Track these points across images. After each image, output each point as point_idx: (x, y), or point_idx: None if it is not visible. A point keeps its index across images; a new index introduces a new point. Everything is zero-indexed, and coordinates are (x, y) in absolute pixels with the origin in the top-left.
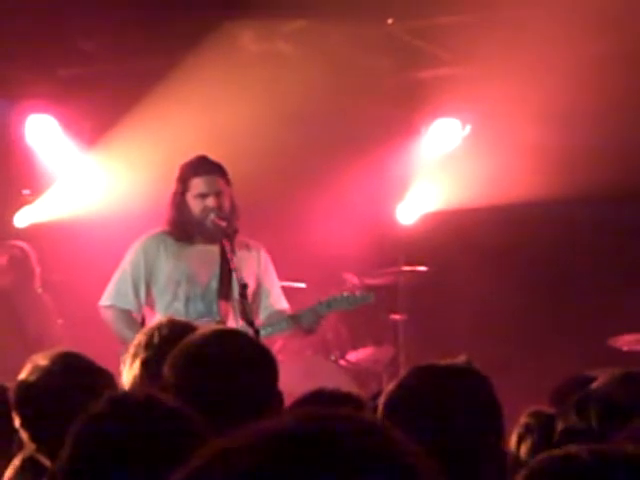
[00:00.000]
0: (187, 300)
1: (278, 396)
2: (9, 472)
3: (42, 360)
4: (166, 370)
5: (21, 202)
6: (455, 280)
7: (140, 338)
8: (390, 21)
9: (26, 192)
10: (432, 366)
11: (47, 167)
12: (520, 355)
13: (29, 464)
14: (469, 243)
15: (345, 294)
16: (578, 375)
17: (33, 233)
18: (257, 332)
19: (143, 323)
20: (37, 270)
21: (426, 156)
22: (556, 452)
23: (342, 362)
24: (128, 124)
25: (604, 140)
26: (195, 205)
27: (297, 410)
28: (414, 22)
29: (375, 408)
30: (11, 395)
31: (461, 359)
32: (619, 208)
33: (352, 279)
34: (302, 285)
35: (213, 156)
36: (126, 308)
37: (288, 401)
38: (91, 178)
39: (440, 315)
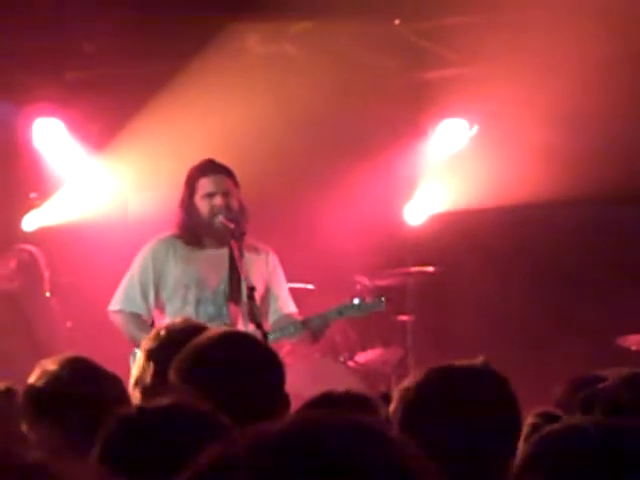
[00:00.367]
0: (197, 303)
1: (285, 399)
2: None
3: (51, 365)
4: (172, 372)
5: (28, 206)
6: (463, 281)
7: (151, 338)
8: (397, 22)
9: (33, 195)
10: (450, 367)
11: (54, 171)
12: (528, 355)
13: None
14: (476, 244)
15: (356, 301)
16: (587, 374)
17: (41, 237)
18: (265, 335)
19: (153, 326)
20: (46, 274)
21: (433, 157)
22: (562, 424)
23: (351, 363)
24: (135, 127)
25: (610, 141)
26: (203, 206)
27: (293, 416)
28: (421, 23)
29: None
30: (19, 399)
31: (479, 360)
32: (625, 209)
33: (363, 281)
34: (311, 287)
35: (220, 158)
36: (135, 312)
37: (297, 403)
38: (98, 181)
39: (448, 316)
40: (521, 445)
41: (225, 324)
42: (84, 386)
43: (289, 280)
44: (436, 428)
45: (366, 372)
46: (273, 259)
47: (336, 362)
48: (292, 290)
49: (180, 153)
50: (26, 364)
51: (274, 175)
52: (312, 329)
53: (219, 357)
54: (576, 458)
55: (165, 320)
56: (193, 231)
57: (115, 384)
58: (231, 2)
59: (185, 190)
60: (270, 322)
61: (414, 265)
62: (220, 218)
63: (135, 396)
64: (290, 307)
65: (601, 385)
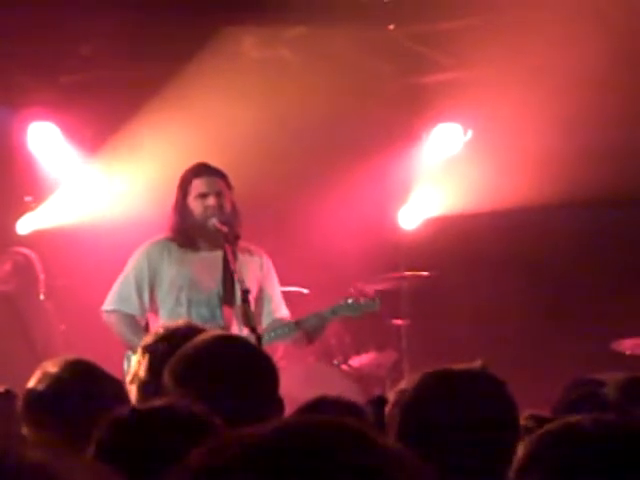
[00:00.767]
0: (189, 305)
1: (279, 403)
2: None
3: (52, 367)
4: (166, 375)
5: (23, 209)
6: (457, 285)
7: (150, 335)
8: (392, 27)
9: (28, 199)
10: (448, 371)
11: (49, 174)
12: (522, 359)
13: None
14: (471, 248)
15: (350, 301)
16: (584, 378)
17: (35, 240)
18: (259, 338)
19: (147, 328)
20: (41, 277)
21: (428, 161)
22: (559, 423)
23: (345, 367)
24: (129, 131)
25: (606, 145)
26: (196, 206)
27: (282, 419)
28: (415, 27)
29: (378, 414)
30: (19, 401)
31: (477, 363)
32: (621, 212)
33: (357, 285)
34: (305, 290)
35: (216, 162)
36: (129, 312)
37: (291, 407)
38: (93, 185)
39: (442, 320)
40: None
41: (219, 327)
42: (85, 388)
43: (283, 284)
44: (434, 432)
45: (360, 376)
46: (267, 262)
47: (330, 366)
48: (286, 294)
49: (175, 157)
50: (22, 365)
51: (269, 179)
52: (306, 329)
53: (213, 360)
54: (575, 457)
55: (159, 322)
56: (187, 233)
57: (115, 386)
58: (227, 6)
59: (178, 192)
60: (263, 326)
61: (408, 269)
62: (213, 221)
63: (131, 391)
64: (283, 311)
65: (596, 388)
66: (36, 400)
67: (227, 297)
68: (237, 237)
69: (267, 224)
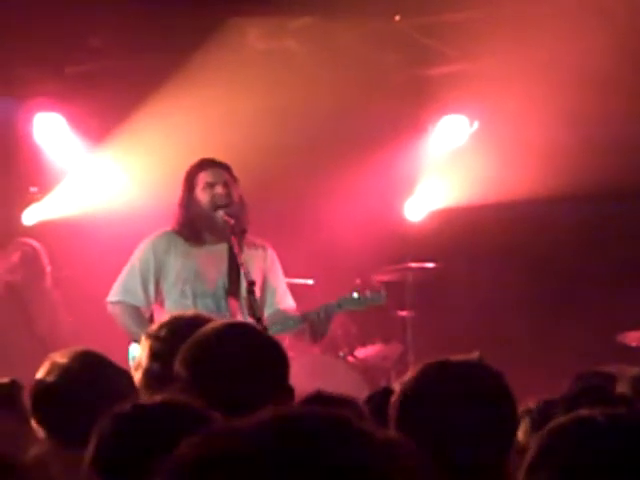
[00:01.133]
0: (195, 297)
1: (289, 390)
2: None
3: (60, 358)
4: (177, 364)
5: (29, 200)
6: (463, 276)
7: (152, 328)
8: (397, 18)
9: (34, 190)
10: (444, 362)
11: (54, 165)
12: (527, 351)
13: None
14: (476, 240)
15: (356, 295)
16: (593, 370)
17: (41, 230)
18: (265, 330)
19: (152, 319)
20: (48, 268)
21: (433, 153)
22: (570, 416)
23: (350, 359)
24: (135, 121)
25: (611, 137)
26: (204, 197)
27: (266, 413)
28: (421, 19)
29: (376, 409)
30: (28, 392)
31: (473, 355)
32: (626, 205)
33: (363, 276)
34: (310, 282)
35: (221, 153)
36: (134, 304)
37: (296, 399)
38: (98, 176)
39: (448, 311)
40: (521, 436)
41: (224, 318)
42: (95, 379)
43: (289, 275)
44: (431, 422)
45: (366, 367)
46: (271, 254)
47: (336, 357)
48: (292, 285)
49: (180, 147)
50: (27, 357)
51: (274, 171)
52: (312, 322)
53: (225, 347)
54: (588, 451)
55: (164, 314)
56: (193, 226)
57: (124, 377)
58: None
59: (184, 187)
60: (265, 316)
61: (414, 261)
62: (221, 213)
63: (136, 378)
64: (288, 302)
65: (603, 381)
66: (45, 391)
67: (232, 289)
68: (244, 231)
69: (273, 216)
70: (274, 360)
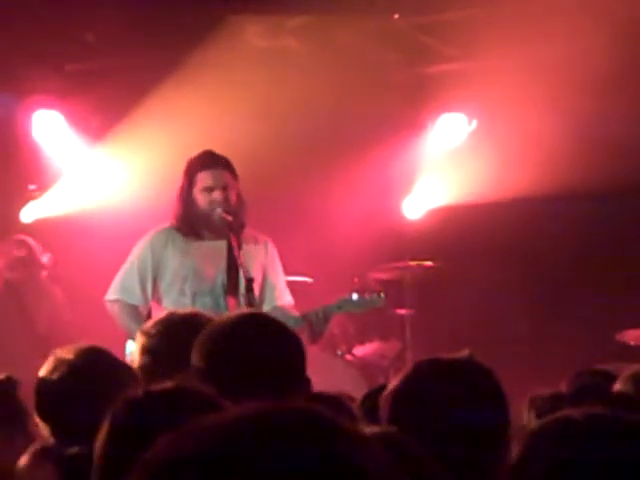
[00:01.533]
0: (194, 295)
1: (306, 382)
2: (23, 462)
3: (66, 355)
4: (194, 354)
5: (27, 197)
6: (461, 275)
7: (147, 330)
8: (396, 16)
9: (32, 187)
10: (434, 360)
11: (53, 162)
12: (526, 349)
13: (46, 454)
14: (475, 238)
15: (355, 297)
16: (591, 368)
17: (39, 228)
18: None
19: (149, 317)
20: (43, 261)
21: (432, 151)
22: (552, 417)
23: (349, 357)
24: (134, 119)
25: (610, 136)
26: (202, 199)
27: (240, 409)
28: (420, 17)
29: (373, 406)
30: (28, 389)
31: (464, 353)
32: (625, 203)
33: (361, 275)
34: (309, 280)
35: (220, 150)
36: (132, 303)
37: None
38: (97, 173)
39: (446, 310)
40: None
41: None
42: (101, 375)
43: (287, 273)
44: (422, 419)
45: (364, 365)
46: (272, 249)
47: (334, 356)
48: (291, 283)
49: (180, 145)
50: (27, 354)
51: (273, 168)
52: (311, 322)
53: (243, 337)
54: (568, 453)
55: (162, 312)
56: (191, 223)
57: (131, 375)
58: None
59: (184, 182)
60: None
61: (412, 259)
62: (219, 211)
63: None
64: (286, 298)
65: (602, 379)
66: (51, 388)
67: (231, 286)
68: (242, 226)
69: (271, 214)
70: (292, 350)
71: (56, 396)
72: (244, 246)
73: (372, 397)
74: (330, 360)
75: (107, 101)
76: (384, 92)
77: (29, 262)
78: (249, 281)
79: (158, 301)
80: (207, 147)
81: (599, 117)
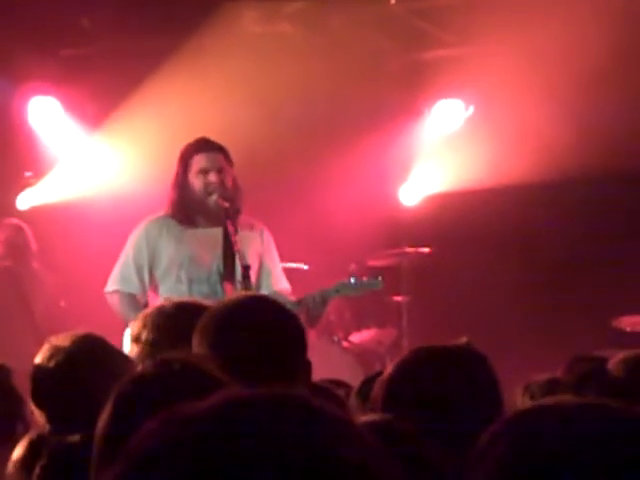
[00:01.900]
0: (190, 282)
1: (307, 365)
2: (19, 452)
3: (62, 342)
4: (195, 338)
5: (23, 184)
6: (458, 261)
7: (141, 319)
8: (393, 1)
9: (28, 174)
10: (430, 347)
11: (49, 149)
12: (523, 337)
13: (43, 443)
14: (472, 225)
15: (353, 280)
16: (586, 354)
17: (35, 215)
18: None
19: (147, 306)
20: (33, 245)
21: (429, 137)
22: (539, 402)
23: (345, 344)
24: (130, 105)
25: (606, 123)
26: (197, 182)
27: (218, 397)
28: (417, 3)
29: (370, 393)
30: (23, 376)
31: (461, 340)
32: (622, 189)
33: (359, 261)
34: (304, 266)
35: (217, 137)
36: (130, 292)
37: None
38: (94, 160)
39: (443, 296)
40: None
41: None
42: (98, 363)
43: (284, 260)
44: (415, 407)
45: (360, 352)
46: (267, 236)
47: (331, 342)
48: (287, 270)
49: (176, 131)
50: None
51: (269, 155)
52: (308, 307)
53: (245, 318)
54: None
55: (159, 300)
56: (186, 210)
57: (128, 362)
58: None
59: (178, 167)
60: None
61: (409, 246)
62: (214, 197)
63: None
64: (283, 284)
65: (598, 365)
66: (47, 375)
67: (227, 273)
68: (238, 212)
69: (267, 201)
70: (293, 332)
71: (52, 383)
72: (240, 232)
73: (369, 384)
74: (327, 347)
75: (103, 87)
76: (381, 78)
77: (25, 249)
78: (245, 268)
79: (155, 289)
80: (204, 133)
81: (596, 103)
